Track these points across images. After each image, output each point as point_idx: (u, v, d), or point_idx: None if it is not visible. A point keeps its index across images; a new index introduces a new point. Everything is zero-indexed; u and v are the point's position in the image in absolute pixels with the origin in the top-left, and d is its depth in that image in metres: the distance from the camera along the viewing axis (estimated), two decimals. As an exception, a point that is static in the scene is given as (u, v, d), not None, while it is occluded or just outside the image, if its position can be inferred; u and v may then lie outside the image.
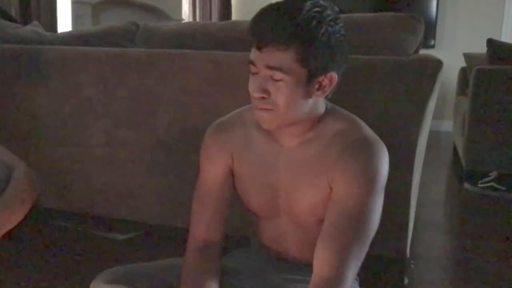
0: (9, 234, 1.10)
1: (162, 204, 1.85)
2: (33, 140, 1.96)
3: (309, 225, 1.11)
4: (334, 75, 1.02)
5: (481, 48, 3.27)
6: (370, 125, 1.12)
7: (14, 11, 2.94)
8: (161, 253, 1.82)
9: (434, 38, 5.22)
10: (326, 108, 1.09)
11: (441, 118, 5.22)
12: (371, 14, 1.72)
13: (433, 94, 1.53)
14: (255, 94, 1.00)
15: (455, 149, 3.81)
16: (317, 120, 1.07)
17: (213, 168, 1.16)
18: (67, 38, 2.04)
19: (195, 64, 1.72)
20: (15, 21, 2.40)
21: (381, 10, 5.36)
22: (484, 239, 2.15)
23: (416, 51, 1.69)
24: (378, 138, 1.07)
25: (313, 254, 1.06)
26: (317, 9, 0.96)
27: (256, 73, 1.00)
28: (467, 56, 3.79)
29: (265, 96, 0.99)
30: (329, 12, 0.98)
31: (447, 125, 5.08)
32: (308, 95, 1.01)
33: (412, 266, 1.77)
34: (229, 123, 1.17)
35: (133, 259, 1.77)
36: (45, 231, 2.02)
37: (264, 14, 0.96)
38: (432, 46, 5.18)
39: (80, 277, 1.63)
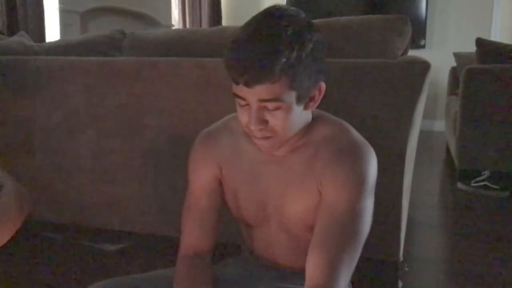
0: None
1: (153, 213, 1.84)
2: (21, 151, 1.94)
3: (300, 232, 1.11)
4: (323, 85, 1.01)
5: (471, 48, 3.28)
6: (359, 129, 1.11)
7: (1, 21, 2.92)
8: (153, 262, 1.80)
9: (424, 38, 5.23)
10: (313, 115, 1.08)
11: (433, 118, 5.23)
12: (358, 17, 1.72)
13: (422, 96, 1.53)
14: (253, 127, 0.97)
15: (447, 148, 3.82)
16: (307, 127, 1.06)
17: (201, 179, 1.16)
18: (53, 48, 2.02)
19: (183, 71, 1.71)
20: (0, 32, 2.38)
21: (371, 11, 5.37)
22: (478, 239, 2.15)
23: (405, 52, 1.69)
24: (365, 141, 1.06)
25: (304, 261, 1.05)
26: (293, 27, 0.91)
27: (246, 105, 0.96)
28: (457, 56, 3.80)
29: (264, 126, 0.97)
30: (302, 22, 0.94)
31: (440, 125, 5.09)
32: (302, 110, 1.00)
33: (406, 269, 1.76)
34: (216, 133, 1.16)
35: (124, 270, 1.76)
36: (34, 242, 2.00)
37: (243, 49, 0.90)
38: (423, 46, 5.20)
39: None
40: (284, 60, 0.89)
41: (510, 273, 1.80)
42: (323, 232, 1.01)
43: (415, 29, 1.69)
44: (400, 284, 1.65)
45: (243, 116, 0.98)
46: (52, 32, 3.39)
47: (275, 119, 0.96)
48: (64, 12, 3.47)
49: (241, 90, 0.93)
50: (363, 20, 1.68)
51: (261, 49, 0.89)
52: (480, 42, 3.02)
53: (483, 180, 2.90)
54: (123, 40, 1.98)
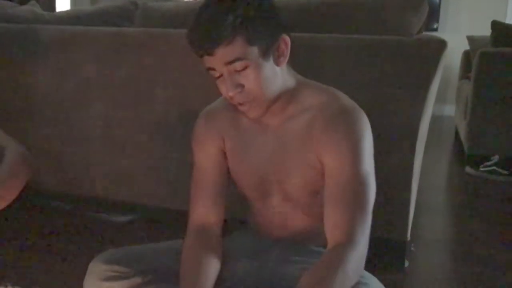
0: (5, 214, 1.09)
1: (161, 186, 1.84)
2: (31, 121, 1.94)
3: (302, 198, 1.14)
4: (286, 37, 1.04)
5: (485, 31, 3.22)
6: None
7: (11, -9, 2.90)
8: (161, 235, 1.81)
9: (437, 21, 5.16)
10: (297, 80, 1.11)
11: (443, 102, 5.19)
12: (374, -6, 1.69)
13: (436, 76, 1.51)
14: (230, 93, 1.01)
15: (457, 133, 3.79)
16: (293, 93, 1.09)
17: (205, 152, 1.19)
18: (64, 18, 2.01)
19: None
20: (11, 0, 2.37)
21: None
22: (485, 223, 2.15)
23: (419, 32, 1.67)
24: (357, 106, 1.09)
25: (311, 226, 1.13)
26: None
27: (220, 76, 1.01)
28: (470, 39, 3.75)
29: (240, 90, 1.01)
30: None
31: (450, 109, 5.05)
32: (274, 66, 1.03)
33: (413, 249, 1.76)
34: (217, 108, 1.20)
35: (132, 241, 1.77)
36: (43, 212, 2.02)
37: (196, 23, 0.98)
38: (435, 29, 5.13)
39: (79, 259, 1.63)
40: (231, 19, 0.95)
41: None
42: (333, 198, 1.04)
43: (428, 12, 1.66)
44: (406, 263, 1.66)
45: (222, 88, 1.03)
46: (62, 2, 3.37)
47: (248, 80, 1.00)
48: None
49: (207, 61, 1.00)
50: (379, -3, 1.65)
51: (209, 16, 0.97)
52: (495, 25, 2.97)
53: (492, 165, 2.88)
54: (135, 11, 1.97)
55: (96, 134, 1.87)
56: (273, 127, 1.12)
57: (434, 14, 5.09)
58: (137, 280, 1.08)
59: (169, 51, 1.72)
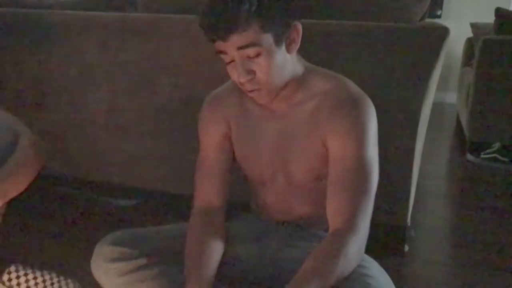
0: (13, 200, 1.11)
1: (166, 171, 1.86)
2: (35, 106, 1.95)
3: (306, 183, 1.15)
4: (298, 25, 1.04)
5: (489, 18, 3.21)
6: (374, 94, 1.12)
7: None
8: (165, 219, 1.84)
9: (441, 8, 5.13)
10: (306, 68, 1.11)
11: (445, 90, 5.18)
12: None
13: (438, 63, 1.52)
14: (242, 79, 1.02)
15: (458, 121, 3.80)
16: (302, 80, 1.10)
17: (211, 137, 1.20)
18: (68, 3, 2.01)
19: (198, 29, 1.70)
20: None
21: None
22: (485, 209, 2.17)
23: (422, 18, 1.67)
24: (363, 93, 1.10)
25: (314, 209, 1.15)
26: None
27: (232, 61, 1.02)
28: (474, 26, 3.73)
29: (252, 77, 1.01)
30: None
31: (451, 97, 5.05)
32: (285, 54, 1.03)
33: (413, 234, 1.79)
34: (224, 93, 1.21)
35: (137, 225, 1.79)
36: (49, 196, 2.04)
37: (210, 8, 0.96)
38: (439, 16, 5.10)
39: (85, 241, 1.65)
40: (247, 6, 0.94)
41: None
42: (336, 183, 1.06)
43: (431, -1, 1.66)
44: (406, 248, 1.68)
45: (233, 73, 1.03)
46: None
47: (260, 67, 1.00)
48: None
49: (219, 45, 1.00)
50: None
51: (223, 2, 0.94)
52: (499, 12, 2.96)
53: (493, 152, 2.89)
54: (139, -3, 1.96)
55: (101, 119, 1.88)
56: (280, 113, 1.13)
57: (437, 0, 5.06)
58: (143, 261, 1.10)
59: (173, 36, 1.73)
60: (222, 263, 1.12)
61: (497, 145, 2.92)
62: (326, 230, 1.09)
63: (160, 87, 1.77)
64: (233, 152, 1.21)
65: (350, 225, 1.02)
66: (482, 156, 2.91)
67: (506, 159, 2.86)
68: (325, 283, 0.96)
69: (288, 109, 1.12)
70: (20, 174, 1.12)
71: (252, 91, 1.04)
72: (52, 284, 1.27)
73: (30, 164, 1.15)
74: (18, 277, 1.26)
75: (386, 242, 1.59)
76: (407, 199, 1.58)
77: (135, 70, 1.80)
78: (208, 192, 1.20)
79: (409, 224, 1.65)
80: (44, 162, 1.20)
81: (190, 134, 1.76)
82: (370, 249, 1.08)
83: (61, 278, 1.29)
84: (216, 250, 1.12)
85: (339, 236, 1.02)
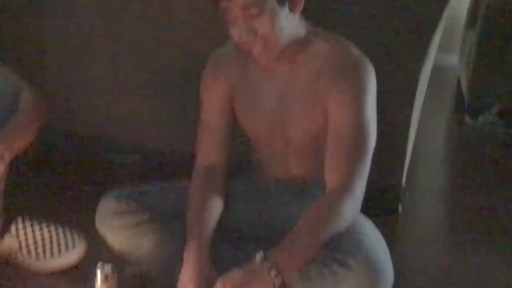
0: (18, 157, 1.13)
1: (167, 129, 1.88)
2: (37, 64, 1.95)
3: (305, 144, 1.18)
4: None
5: (494, -21, 3.15)
6: (373, 56, 1.13)
7: None
8: (166, 176, 1.86)
9: (447, -33, 5.02)
10: (308, 30, 1.12)
11: (447, 52, 5.13)
12: None
13: (440, 26, 1.51)
14: (243, 38, 1.02)
15: (459, 84, 3.78)
16: (304, 42, 1.10)
17: (212, 98, 1.22)
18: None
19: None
20: None
21: None
22: (481, 172, 2.17)
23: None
24: (365, 57, 1.12)
25: (310, 172, 1.18)
26: None
27: (234, 19, 1.02)
28: (479, -12, 3.67)
29: (253, 35, 1.02)
30: None
31: (453, 59, 5.01)
32: (288, 14, 1.04)
33: (407, 195, 1.81)
34: (226, 54, 1.22)
35: (139, 182, 1.82)
36: (49, 152, 2.04)
37: None
38: (444, -24, 5.00)
39: (88, 197, 1.67)
40: None
41: (509, 206, 1.84)
42: (335, 145, 1.09)
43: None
44: (400, 208, 1.71)
45: (235, 32, 1.04)
46: None
47: (262, 26, 1.01)
48: None
49: (224, 3, 1.00)
50: None
51: None
52: (505, -26, 2.91)
53: (491, 116, 2.90)
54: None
55: (102, 76, 1.89)
56: (281, 75, 1.14)
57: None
58: (145, 216, 1.15)
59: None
60: (222, 220, 1.16)
61: (496, 109, 2.93)
62: (322, 189, 1.13)
63: (163, 45, 1.77)
64: (234, 113, 1.23)
65: (346, 185, 1.05)
66: (480, 119, 2.93)
67: (504, 123, 2.87)
68: (317, 239, 1.00)
69: (289, 70, 1.13)
70: (25, 129, 1.15)
71: (252, 50, 1.05)
72: (57, 235, 1.32)
73: (33, 119, 1.18)
74: (24, 228, 1.31)
75: (381, 203, 1.61)
76: (403, 161, 1.61)
77: (136, 27, 1.79)
78: (209, 151, 1.22)
79: (403, 186, 1.69)
80: (45, 118, 1.22)
81: (192, 93, 1.78)
82: (365, 209, 1.12)
83: (66, 229, 1.34)
84: (216, 207, 1.16)
85: (334, 195, 1.05)
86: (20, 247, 1.30)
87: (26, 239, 1.30)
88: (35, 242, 1.30)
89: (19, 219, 1.31)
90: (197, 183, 1.19)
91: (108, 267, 1.01)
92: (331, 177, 1.09)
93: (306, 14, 1.15)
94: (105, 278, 1.01)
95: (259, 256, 0.99)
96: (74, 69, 1.92)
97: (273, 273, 0.97)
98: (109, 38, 1.84)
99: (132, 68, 1.85)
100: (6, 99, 1.14)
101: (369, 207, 1.17)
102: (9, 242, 1.30)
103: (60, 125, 2.02)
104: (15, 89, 1.18)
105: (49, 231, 1.32)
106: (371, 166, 1.11)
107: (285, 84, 1.14)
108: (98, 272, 1.01)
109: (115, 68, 1.87)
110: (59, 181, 1.84)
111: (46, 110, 1.24)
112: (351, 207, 1.06)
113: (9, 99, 1.15)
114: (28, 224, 1.32)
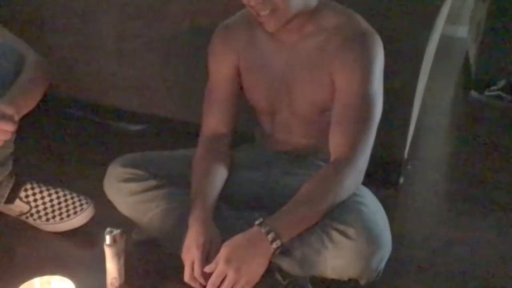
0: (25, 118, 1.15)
1: (173, 98, 1.89)
2: (44, 30, 1.95)
3: (310, 115, 1.19)
4: None
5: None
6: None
7: None
8: (171, 145, 1.87)
9: None
10: (319, 0, 1.12)
11: (456, 23, 5.06)
12: None
13: (448, -1, 1.50)
14: (253, 1, 1.02)
15: (467, 56, 3.74)
16: (313, 12, 1.11)
17: (219, 67, 1.23)
18: None
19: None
20: None
21: None
22: (485, 146, 2.17)
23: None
24: (372, 29, 1.12)
25: (314, 143, 1.19)
26: None
27: None
28: (491, -42, 3.59)
29: None
30: None
31: (462, 31, 4.94)
32: None
33: (410, 167, 1.82)
34: (234, 24, 1.22)
35: (146, 150, 1.84)
36: (55, 118, 2.04)
37: None
38: None
39: (96, 163, 1.70)
40: None
41: (510, 180, 1.85)
42: (341, 116, 1.10)
43: None
44: (401, 180, 1.73)
45: None
46: None
47: None
48: None
49: None
50: None
51: None
52: None
53: (497, 90, 2.89)
54: None
55: (109, 45, 1.89)
56: (289, 45, 1.15)
57: None
58: (152, 182, 1.17)
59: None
60: (226, 187, 1.19)
61: (502, 83, 2.91)
62: (326, 161, 1.15)
63: (171, 14, 1.77)
64: (241, 83, 1.24)
65: (349, 156, 1.07)
66: (486, 93, 2.91)
67: (510, 97, 2.86)
68: (317, 208, 1.03)
69: (297, 40, 1.13)
70: (32, 89, 1.16)
71: (261, 15, 1.05)
72: (66, 200, 1.36)
73: (40, 80, 1.19)
74: (34, 193, 1.35)
75: (383, 174, 1.62)
76: (406, 133, 1.62)
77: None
78: (215, 120, 1.24)
79: (406, 157, 1.70)
80: (50, 81, 1.24)
81: (199, 62, 1.78)
82: (366, 180, 1.14)
83: (74, 195, 1.37)
84: (220, 174, 1.19)
85: (337, 166, 1.07)
86: (30, 211, 1.34)
87: (36, 204, 1.34)
88: (45, 207, 1.34)
89: (28, 185, 1.35)
90: (202, 151, 1.21)
91: (116, 231, 1.04)
92: (335, 149, 1.10)
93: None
94: (113, 240, 1.05)
95: (258, 221, 1.02)
96: (80, 35, 1.91)
97: (270, 236, 1.00)
98: (116, 5, 1.83)
99: (139, 35, 1.84)
100: (12, 61, 1.16)
101: (371, 179, 1.19)
102: (20, 206, 1.34)
103: (66, 91, 2.02)
104: (20, 51, 1.19)
105: (58, 197, 1.36)
106: (375, 138, 1.12)
107: (292, 54, 1.15)
108: (107, 235, 1.04)
109: (121, 35, 1.87)
110: (66, 147, 1.86)
111: (50, 74, 1.25)
112: (353, 178, 1.08)
113: (15, 61, 1.16)
114: (37, 189, 1.35)
